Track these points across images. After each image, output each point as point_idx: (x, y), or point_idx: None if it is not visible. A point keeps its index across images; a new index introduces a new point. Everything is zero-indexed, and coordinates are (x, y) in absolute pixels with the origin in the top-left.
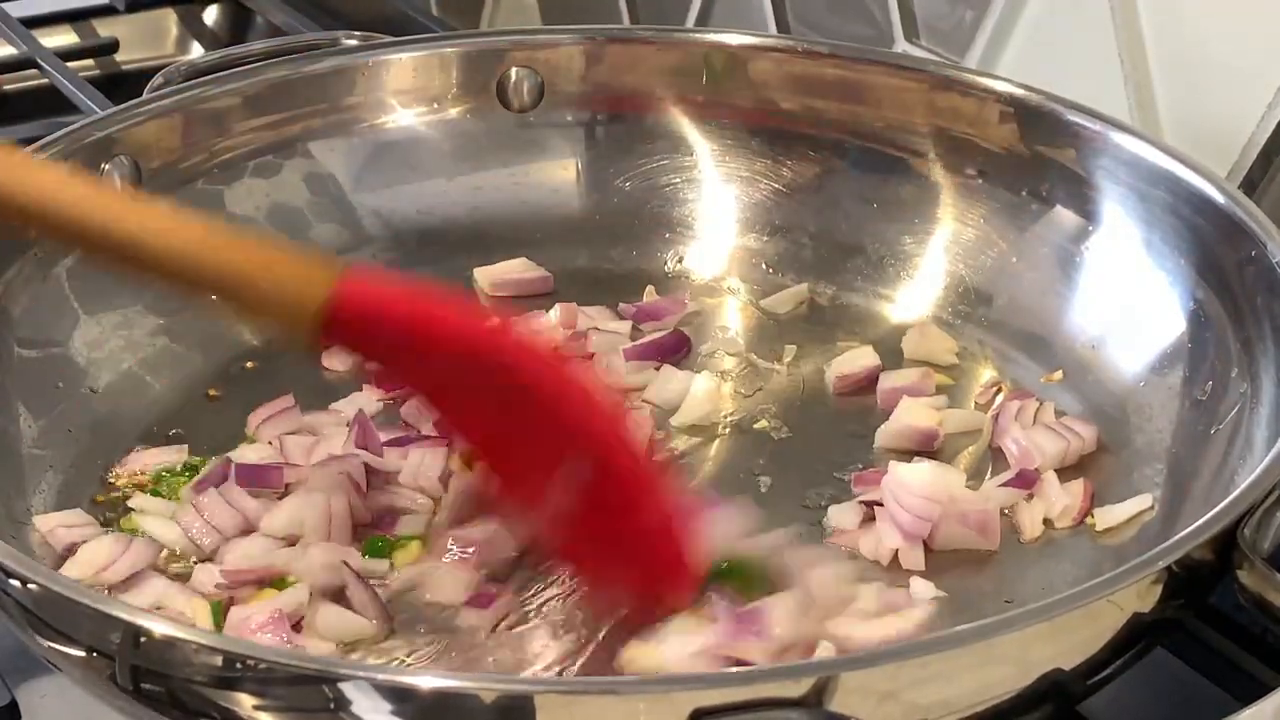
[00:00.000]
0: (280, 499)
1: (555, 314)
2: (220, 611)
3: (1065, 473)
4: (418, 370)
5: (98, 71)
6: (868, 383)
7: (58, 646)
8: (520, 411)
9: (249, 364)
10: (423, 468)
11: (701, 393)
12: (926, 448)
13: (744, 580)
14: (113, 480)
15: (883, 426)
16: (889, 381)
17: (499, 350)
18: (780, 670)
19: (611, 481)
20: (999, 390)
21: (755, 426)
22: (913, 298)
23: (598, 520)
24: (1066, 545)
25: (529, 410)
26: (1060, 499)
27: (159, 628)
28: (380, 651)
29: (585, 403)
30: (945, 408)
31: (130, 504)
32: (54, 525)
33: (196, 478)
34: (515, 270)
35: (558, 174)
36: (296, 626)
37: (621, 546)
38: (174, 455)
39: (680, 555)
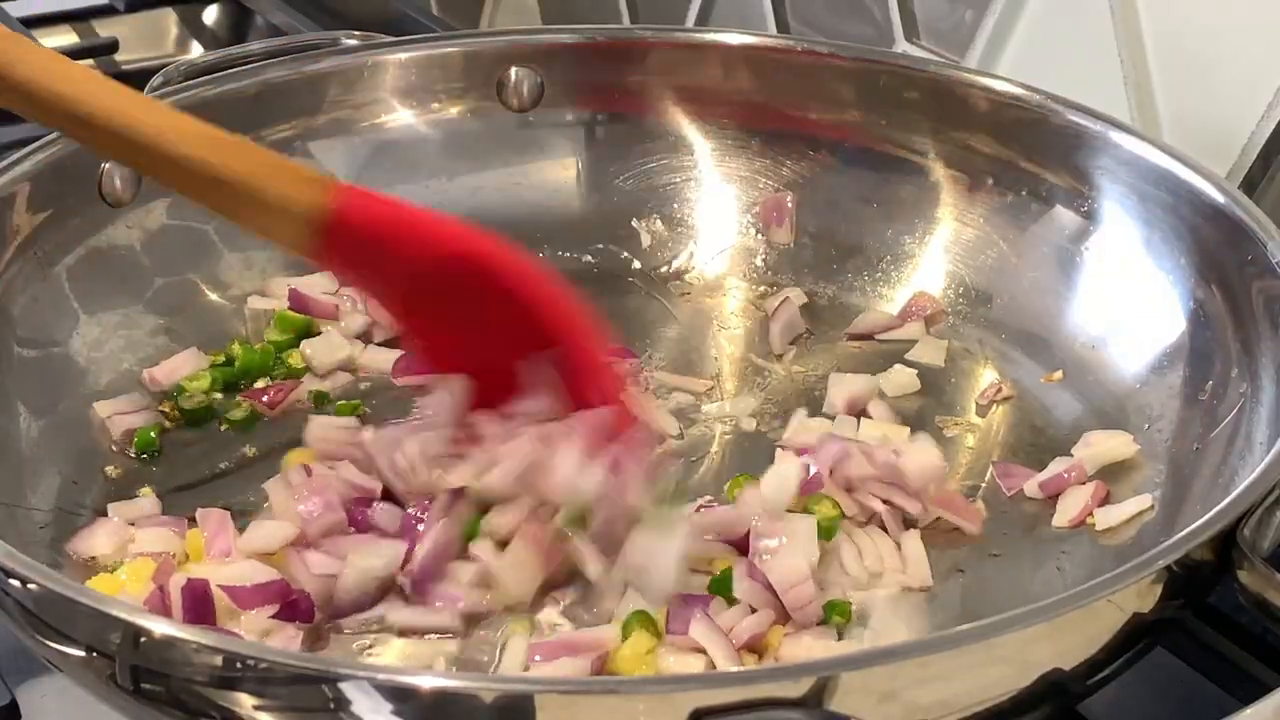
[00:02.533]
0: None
1: None
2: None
3: None
4: (406, 281)
5: (98, 71)
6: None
7: (58, 646)
8: (498, 315)
9: None
10: None
11: None
12: None
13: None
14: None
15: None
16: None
17: (487, 257)
18: (780, 670)
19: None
20: (999, 391)
21: (754, 427)
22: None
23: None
24: (1066, 545)
25: (507, 313)
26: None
27: (159, 628)
28: None
29: (560, 309)
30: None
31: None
32: (111, 412)
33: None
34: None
35: (558, 174)
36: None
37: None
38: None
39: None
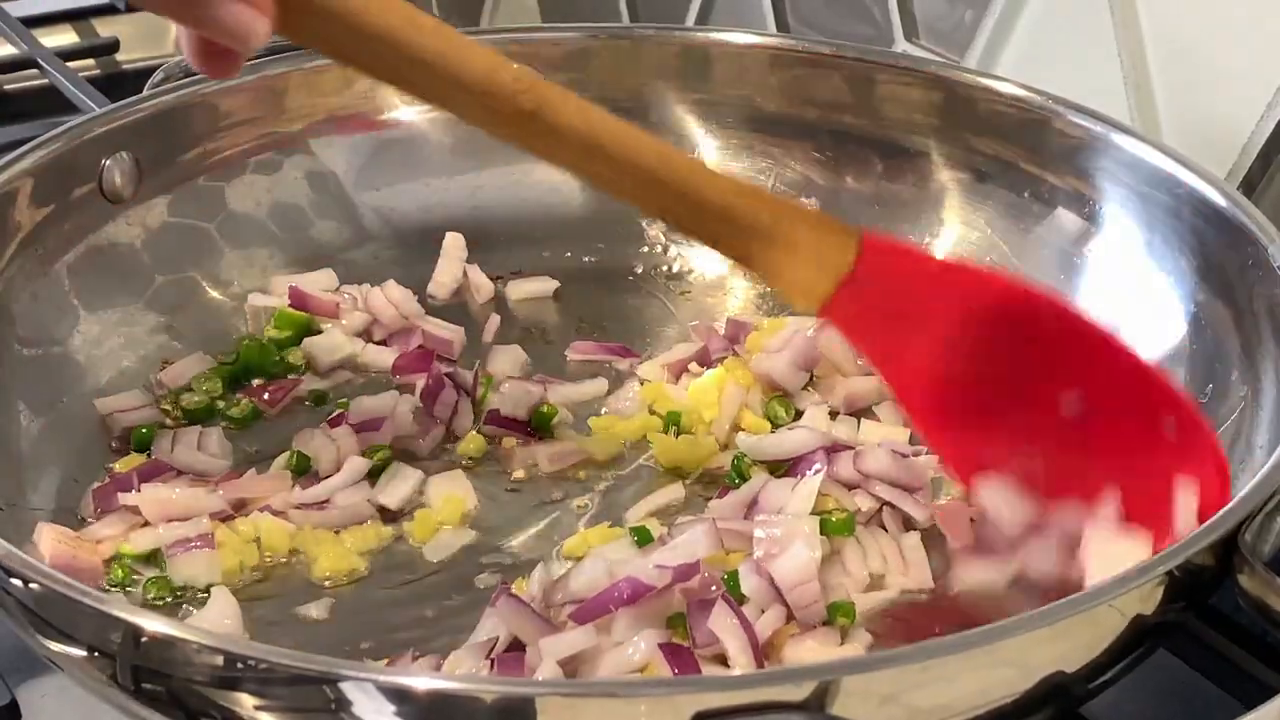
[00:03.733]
0: None
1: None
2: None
3: None
4: (919, 331)
5: (98, 71)
6: None
7: (58, 646)
8: (1026, 355)
9: None
10: None
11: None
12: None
13: None
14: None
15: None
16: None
17: (1012, 297)
18: (782, 674)
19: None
20: None
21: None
22: None
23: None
24: None
25: (1037, 351)
26: None
27: (159, 627)
28: None
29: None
30: None
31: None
32: (112, 409)
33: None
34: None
35: (558, 174)
36: None
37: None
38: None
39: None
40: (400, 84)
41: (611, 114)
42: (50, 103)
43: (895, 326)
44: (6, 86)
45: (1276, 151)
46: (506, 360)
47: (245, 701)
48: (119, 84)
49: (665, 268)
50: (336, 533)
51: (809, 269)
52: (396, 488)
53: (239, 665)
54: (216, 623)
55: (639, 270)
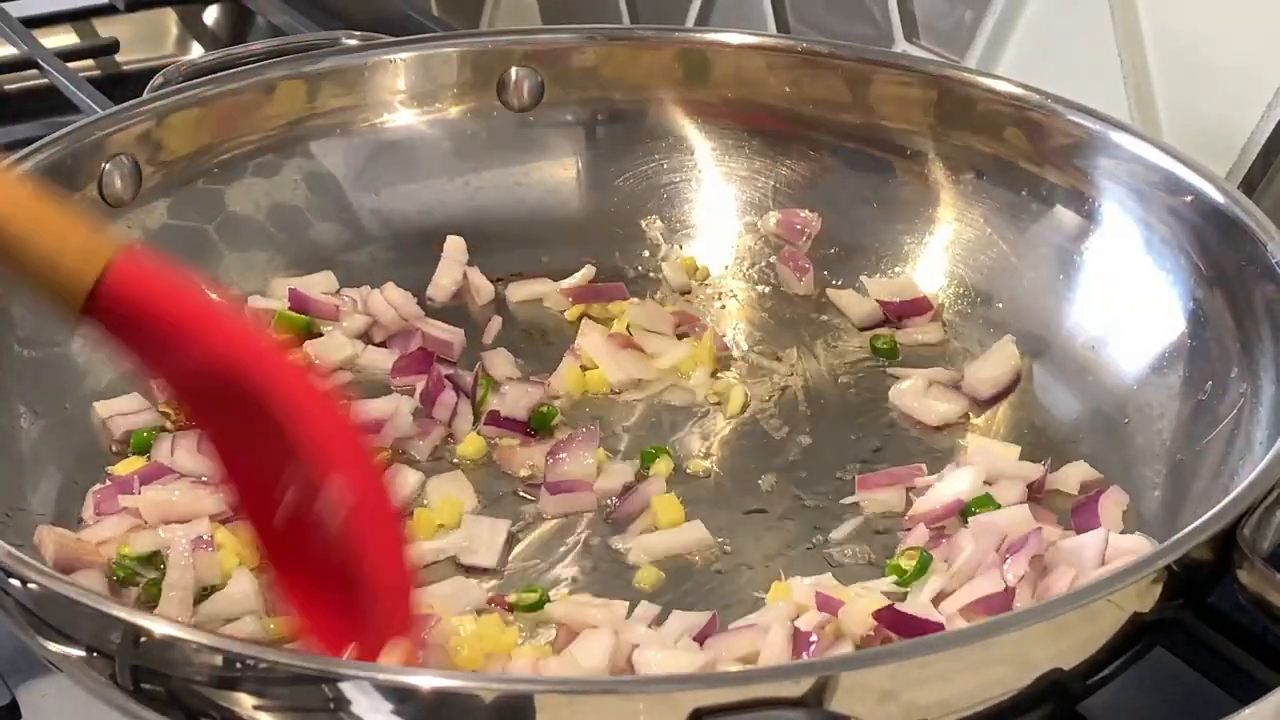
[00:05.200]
0: None
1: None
2: None
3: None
4: (171, 367)
5: (98, 71)
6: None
7: (58, 646)
8: (263, 430)
9: None
10: None
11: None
12: None
13: None
14: None
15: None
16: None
17: (256, 365)
18: (780, 670)
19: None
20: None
21: (756, 426)
22: None
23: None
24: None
25: (272, 431)
26: None
27: (159, 628)
28: None
29: (332, 433)
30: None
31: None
32: (112, 412)
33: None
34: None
35: (558, 174)
36: None
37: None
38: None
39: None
40: None
41: None
42: (50, 103)
43: (153, 354)
44: (6, 86)
45: (1276, 152)
46: (496, 364)
47: (244, 701)
48: (119, 84)
49: (664, 270)
50: None
51: (46, 275)
52: (396, 489)
53: (238, 665)
54: (238, 601)
55: (638, 270)
